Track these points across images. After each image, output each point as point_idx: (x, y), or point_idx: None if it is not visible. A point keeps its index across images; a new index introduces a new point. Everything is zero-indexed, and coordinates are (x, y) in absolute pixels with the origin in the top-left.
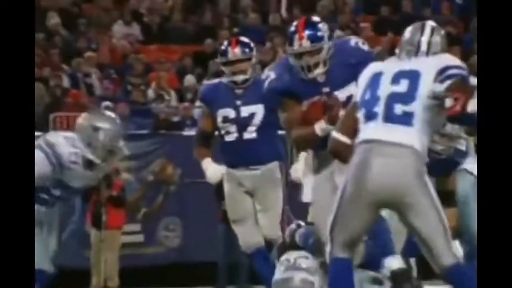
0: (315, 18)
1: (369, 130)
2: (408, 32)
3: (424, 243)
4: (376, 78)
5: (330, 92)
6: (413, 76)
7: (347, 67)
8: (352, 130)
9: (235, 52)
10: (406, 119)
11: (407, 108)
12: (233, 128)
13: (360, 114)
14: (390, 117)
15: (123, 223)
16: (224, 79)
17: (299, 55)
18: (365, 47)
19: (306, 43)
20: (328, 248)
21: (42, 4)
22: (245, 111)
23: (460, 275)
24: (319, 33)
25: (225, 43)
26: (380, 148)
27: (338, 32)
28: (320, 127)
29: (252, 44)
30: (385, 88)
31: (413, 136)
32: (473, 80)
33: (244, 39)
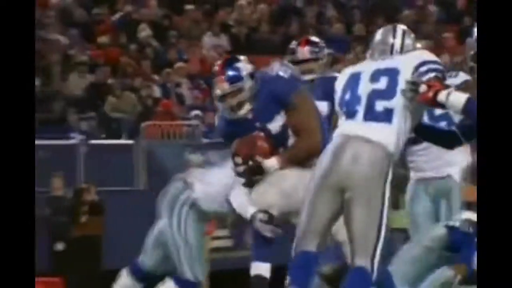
0: (236, 58)
1: (347, 126)
2: (379, 34)
3: (351, 235)
4: (354, 79)
5: (263, 126)
6: (392, 73)
7: (272, 98)
8: None
9: (304, 51)
10: (386, 116)
11: (388, 104)
12: None
13: (341, 114)
14: (370, 115)
15: (213, 228)
16: None
17: (222, 98)
18: (286, 75)
19: (225, 86)
20: (295, 241)
21: (134, 16)
22: None
23: (358, 278)
24: (237, 73)
25: (295, 42)
26: (354, 142)
27: (420, 43)
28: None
29: (322, 45)
30: (365, 87)
31: (390, 135)
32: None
33: (314, 39)
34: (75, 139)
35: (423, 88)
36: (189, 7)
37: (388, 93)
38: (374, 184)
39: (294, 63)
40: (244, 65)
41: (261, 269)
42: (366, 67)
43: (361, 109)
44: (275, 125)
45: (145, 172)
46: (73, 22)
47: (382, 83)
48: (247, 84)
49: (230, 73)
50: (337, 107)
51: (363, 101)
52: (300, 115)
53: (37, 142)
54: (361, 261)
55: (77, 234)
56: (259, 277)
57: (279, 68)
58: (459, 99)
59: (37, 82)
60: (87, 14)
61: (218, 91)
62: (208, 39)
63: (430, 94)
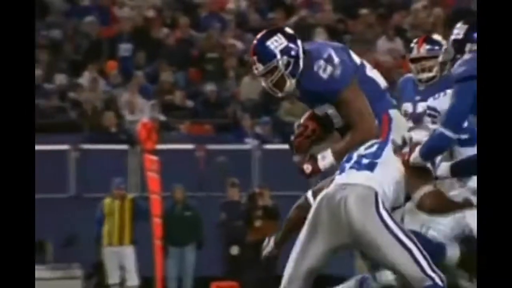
0: (268, 34)
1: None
2: None
3: (389, 269)
4: None
5: (311, 107)
6: None
7: (311, 93)
8: None
9: (421, 49)
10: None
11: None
12: (409, 123)
13: None
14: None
15: None
16: (413, 75)
17: (262, 78)
18: (324, 75)
19: (259, 67)
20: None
21: (309, 21)
22: (420, 106)
23: None
24: (268, 52)
25: (415, 40)
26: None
27: None
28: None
29: (442, 43)
30: None
31: (369, 180)
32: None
33: (435, 37)
34: (250, 144)
35: None
36: (363, 11)
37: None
38: (370, 220)
39: (412, 61)
40: (275, 41)
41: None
42: None
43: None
44: (321, 111)
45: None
46: (249, 27)
47: None
48: (281, 62)
49: (260, 52)
50: None
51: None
52: (347, 109)
53: (213, 147)
54: (416, 283)
55: (251, 239)
56: None
57: (321, 64)
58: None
59: (213, 87)
60: (262, 19)
61: (255, 73)
62: (382, 43)
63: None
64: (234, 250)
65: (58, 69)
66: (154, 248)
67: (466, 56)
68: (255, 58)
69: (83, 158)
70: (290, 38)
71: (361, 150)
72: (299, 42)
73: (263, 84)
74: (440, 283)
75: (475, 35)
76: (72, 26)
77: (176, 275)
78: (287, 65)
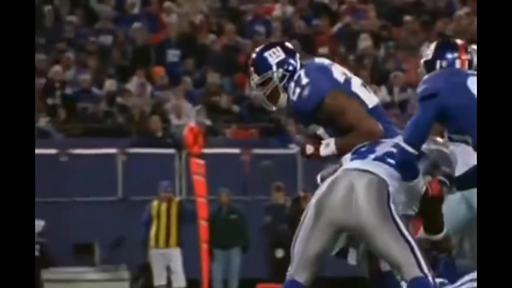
0: (267, 46)
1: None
2: None
3: (388, 261)
4: None
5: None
6: None
7: (301, 115)
8: None
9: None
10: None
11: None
12: None
13: None
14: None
15: None
16: None
17: (258, 89)
18: (294, 97)
19: (254, 78)
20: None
21: (353, 27)
22: None
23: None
24: (265, 63)
25: None
26: (348, 174)
27: None
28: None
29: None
30: None
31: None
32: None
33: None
34: (294, 149)
35: None
36: (407, 18)
37: None
38: (378, 213)
39: None
40: (272, 53)
41: None
42: None
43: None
44: (320, 131)
45: None
46: (294, 33)
47: None
48: (276, 74)
49: (257, 64)
50: None
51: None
52: (342, 118)
53: (258, 151)
54: (411, 274)
55: None
56: None
57: (295, 88)
58: None
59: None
60: (308, 25)
61: (251, 83)
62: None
63: None
64: (279, 253)
65: (107, 75)
66: (200, 251)
67: (432, 73)
68: (252, 68)
69: (130, 161)
70: (288, 52)
71: (386, 147)
72: (297, 57)
73: (261, 97)
74: (432, 282)
75: (444, 53)
76: (121, 33)
77: (221, 277)
78: (281, 78)
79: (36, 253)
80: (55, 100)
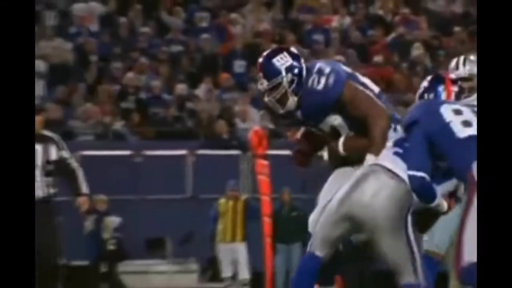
0: (276, 51)
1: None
2: None
3: (389, 263)
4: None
5: (315, 125)
6: None
7: (313, 107)
8: None
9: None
10: None
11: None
12: None
13: None
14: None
15: None
16: None
17: (264, 94)
18: (319, 87)
19: (263, 84)
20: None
21: (406, 37)
22: None
23: None
24: (273, 68)
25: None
26: (379, 174)
27: None
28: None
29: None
30: None
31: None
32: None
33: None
34: None
35: None
36: (456, 28)
37: None
38: (395, 222)
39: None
40: (280, 58)
41: None
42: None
43: None
44: (326, 126)
45: None
46: (351, 43)
47: None
48: (286, 79)
49: (266, 68)
50: None
51: None
52: (356, 108)
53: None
54: (407, 279)
55: (352, 236)
56: None
57: (315, 77)
58: None
59: None
60: (363, 36)
61: (259, 87)
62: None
63: None
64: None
65: (177, 81)
66: (264, 245)
67: (412, 105)
68: (261, 74)
69: (199, 162)
70: (294, 57)
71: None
72: (302, 61)
73: (265, 99)
74: None
75: (433, 86)
76: (190, 43)
77: (284, 270)
78: (291, 82)
79: (113, 247)
80: (129, 104)
